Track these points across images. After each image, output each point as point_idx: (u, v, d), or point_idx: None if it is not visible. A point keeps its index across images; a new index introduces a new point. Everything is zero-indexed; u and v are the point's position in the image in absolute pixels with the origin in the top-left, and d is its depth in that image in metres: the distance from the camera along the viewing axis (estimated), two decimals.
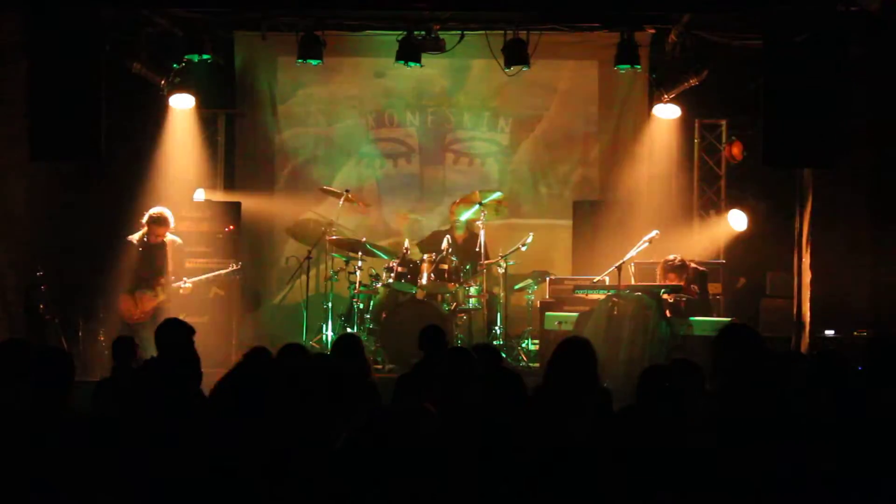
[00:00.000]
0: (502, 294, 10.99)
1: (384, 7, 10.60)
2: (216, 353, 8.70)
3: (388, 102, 12.48)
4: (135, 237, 10.34)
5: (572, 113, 12.39)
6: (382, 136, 12.53)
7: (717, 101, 11.76)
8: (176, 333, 6.61)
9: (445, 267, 10.71)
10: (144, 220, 10.29)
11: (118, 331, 9.53)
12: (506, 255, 10.89)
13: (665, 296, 9.56)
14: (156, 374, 6.11)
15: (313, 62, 10.68)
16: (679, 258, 10.08)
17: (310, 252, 11.04)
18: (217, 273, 10.75)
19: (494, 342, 10.61)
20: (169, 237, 10.34)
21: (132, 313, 10.23)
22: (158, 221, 10.25)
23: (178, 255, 10.39)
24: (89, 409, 6.75)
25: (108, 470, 3.79)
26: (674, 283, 9.85)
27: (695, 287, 9.97)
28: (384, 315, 10.58)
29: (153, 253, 10.31)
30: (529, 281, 11.07)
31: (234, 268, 10.82)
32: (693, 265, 10.17)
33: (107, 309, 10.82)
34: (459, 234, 11.39)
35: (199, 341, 6.57)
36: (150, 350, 7.00)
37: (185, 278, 10.34)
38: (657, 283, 9.90)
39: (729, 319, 9.48)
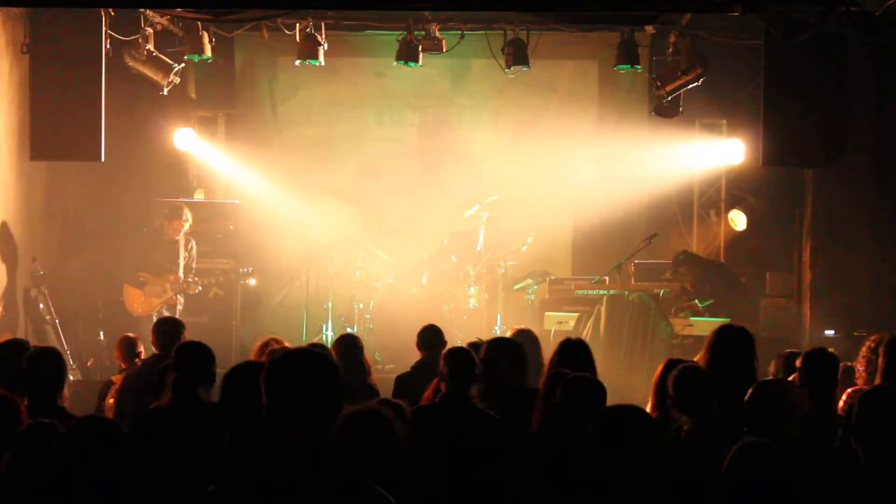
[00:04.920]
0: (502, 294, 10.99)
1: (384, 7, 10.59)
2: (216, 353, 8.66)
3: (388, 102, 12.48)
4: (150, 230, 10.43)
5: (572, 113, 12.38)
6: (382, 135, 12.52)
7: (717, 101, 11.76)
8: (172, 331, 6.65)
9: (445, 267, 10.72)
10: (166, 213, 10.40)
11: (120, 325, 9.59)
12: (506, 256, 10.89)
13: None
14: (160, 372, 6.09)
15: (313, 62, 10.67)
16: (683, 252, 10.10)
17: (310, 252, 11.05)
18: (229, 273, 10.83)
19: None
20: (184, 235, 10.43)
21: (138, 307, 10.27)
22: (175, 214, 10.33)
23: (191, 254, 10.50)
24: (93, 409, 6.81)
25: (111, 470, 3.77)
26: (683, 277, 9.87)
27: (686, 285, 9.96)
28: (384, 315, 10.59)
29: (166, 247, 10.38)
30: (529, 281, 11.08)
31: (245, 271, 10.87)
32: (705, 257, 10.18)
33: (107, 308, 10.84)
34: None
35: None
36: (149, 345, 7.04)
37: (195, 277, 10.42)
38: (664, 281, 9.94)
39: (727, 320, 9.50)
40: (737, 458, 3.53)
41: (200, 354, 5.11)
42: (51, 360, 5.27)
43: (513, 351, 5.28)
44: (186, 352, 5.13)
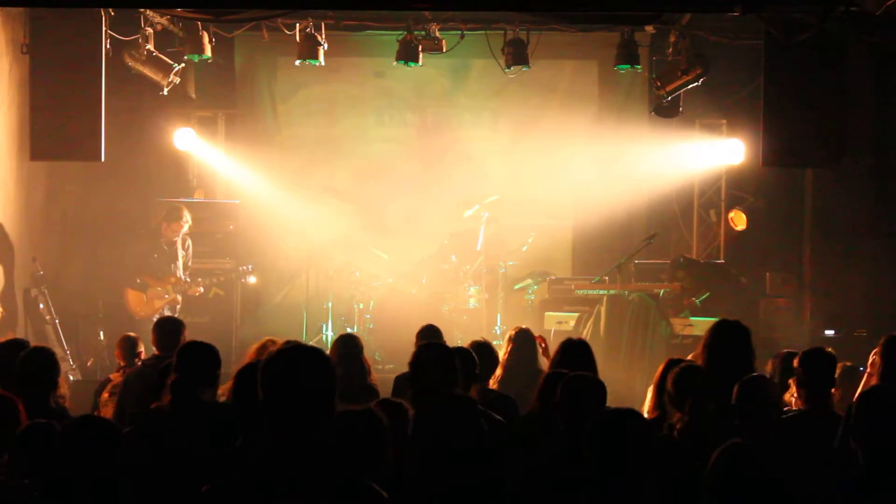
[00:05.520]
0: (502, 294, 10.99)
1: (384, 7, 10.59)
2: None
3: (388, 102, 12.47)
4: (147, 231, 10.43)
5: (572, 113, 12.37)
6: (382, 135, 12.52)
7: (717, 101, 11.76)
8: (173, 330, 6.65)
9: (445, 267, 10.72)
10: (164, 214, 10.41)
11: (121, 325, 9.58)
12: (506, 256, 10.89)
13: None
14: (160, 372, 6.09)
15: (313, 62, 10.67)
16: (681, 256, 10.14)
17: (310, 252, 11.06)
18: (229, 272, 10.84)
19: (494, 342, 10.60)
20: (183, 236, 10.44)
21: (140, 310, 10.27)
22: (174, 216, 10.34)
23: (188, 254, 10.52)
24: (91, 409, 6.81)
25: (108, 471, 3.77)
26: (682, 282, 9.90)
27: (676, 285, 9.98)
28: (384, 315, 10.59)
29: (166, 249, 10.38)
30: (529, 281, 11.08)
31: (245, 269, 10.88)
32: (703, 260, 10.21)
33: (107, 309, 10.84)
34: None
35: None
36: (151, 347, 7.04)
37: (198, 279, 10.43)
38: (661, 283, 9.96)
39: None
40: (718, 460, 3.53)
41: (201, 356, 5.04)
42: (43, 361, 5.27)
43: (440, 356, 4.95)
44: (187, 353, 5.08)
